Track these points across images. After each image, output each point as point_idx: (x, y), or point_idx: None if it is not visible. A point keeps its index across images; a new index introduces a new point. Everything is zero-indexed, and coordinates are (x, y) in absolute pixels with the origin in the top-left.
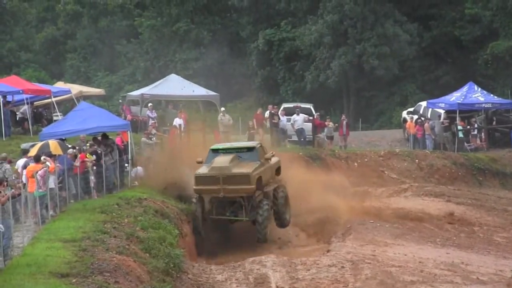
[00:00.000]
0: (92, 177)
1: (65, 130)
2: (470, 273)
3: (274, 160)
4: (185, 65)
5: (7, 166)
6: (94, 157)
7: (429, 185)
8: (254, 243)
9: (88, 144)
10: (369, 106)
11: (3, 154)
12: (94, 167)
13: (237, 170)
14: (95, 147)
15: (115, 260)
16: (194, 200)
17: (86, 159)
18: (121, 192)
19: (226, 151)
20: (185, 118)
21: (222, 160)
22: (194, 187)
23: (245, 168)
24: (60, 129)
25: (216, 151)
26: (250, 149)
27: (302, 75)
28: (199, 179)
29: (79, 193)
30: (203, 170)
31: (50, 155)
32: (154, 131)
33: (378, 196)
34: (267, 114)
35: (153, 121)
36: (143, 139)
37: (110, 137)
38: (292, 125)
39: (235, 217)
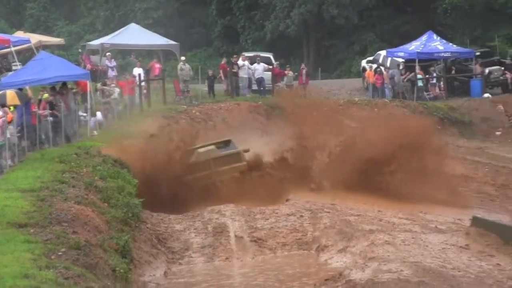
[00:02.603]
0: (49, 126)
1: (24, 79)
2: (428, 222)
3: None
4: (145, 14)
5: None
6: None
7: None
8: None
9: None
10: (328, 55)
11: None
12: (50, 118)
13: (226, 152)
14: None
15: (74, 210)
16: None
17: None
18: (80, 142)
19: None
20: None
21: (205, 149)
22: (185, 178)
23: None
24: (19, 78)
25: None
26: (226, 142)
27: (262, 24)
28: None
29: (37, 143)
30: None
31: (4, 105)
32: (113, 84)
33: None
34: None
35: (112, 72)
36: (101, 88)
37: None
38: (253, 74)
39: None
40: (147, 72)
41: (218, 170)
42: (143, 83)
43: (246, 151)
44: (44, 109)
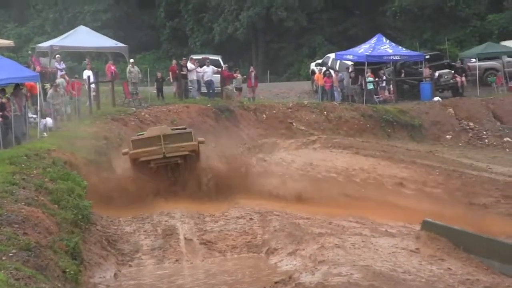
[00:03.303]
0: None
1: None
2: (379, 226)
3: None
4: (94, 17)
5: None
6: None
7: (337, 137)
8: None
9: None
10: (277, 58)
11: None
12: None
13: (177, 131)
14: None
15: (24, 212)
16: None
17: None
18: (30, 144)
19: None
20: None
21: (157, 127)
22: (131, 152)
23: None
24: None
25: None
26: (182, 129)
27: (211, 27)
28: (137, 143)
29: None
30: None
31: None
32: (62, 80)
33: (286, 148)
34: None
35: (62, 73)
36: (51, 91)
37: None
38: (202, 76)
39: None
40: (96, 74)
41: (168, 146)
42: (92, 85)
43: (201, 142)
44: None
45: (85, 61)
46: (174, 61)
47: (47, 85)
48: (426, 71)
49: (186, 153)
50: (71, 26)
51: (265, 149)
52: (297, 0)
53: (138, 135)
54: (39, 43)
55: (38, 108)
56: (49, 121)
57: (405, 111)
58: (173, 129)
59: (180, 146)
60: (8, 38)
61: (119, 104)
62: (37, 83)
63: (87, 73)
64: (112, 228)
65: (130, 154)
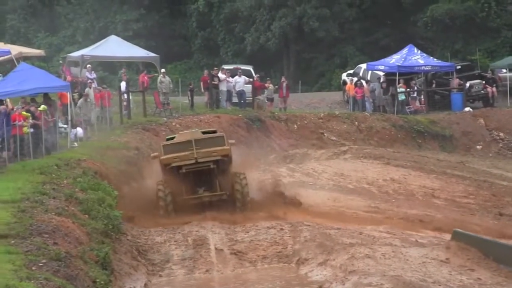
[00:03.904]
0: (30, 138)
1: (4, 91)
2: (409, 236)
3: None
4: (125, 26)
5: None
6: (30, 116)
7: (368, 147)
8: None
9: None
10: (309, 68)
11: None
12: (31, 128)
13: (209, 135)
14: (31, 105)
15: (54, 222)
16: (160, 184)
17: (21, 122)
18: (60, 154)
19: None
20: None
21: (188, 131)
22: (162, 157)
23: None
24: None
25: (172, 140)
26: (212, 132)
27: (242, 37)
28: (168, 148)
29: (18, 154)
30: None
31: None
32: (90, 91)
33: (317, 158)
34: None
35: (90, 82)
36: (81, 100)
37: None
38: (234, 86)
39: (211, 193)
40: (127, 83)
41: (200, 151)
42: (124, 95)
43: (232, 144)
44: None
45: (121, 71)
46: (205, 71)
47: (76, 95)
48: (455, 82)
49: (219, 158)
50: (102, 35)
51: (296, 159)
52: (329, 10)
53: (167, 139)
54: (70, 52)
55: (69, 117)
56: (79, 131)
57: (436, 122)
58: (204, 132)
59: (212, 151)
60: (39, 48)
61: (150, 114)
62: (68, 93)
63: (124, 83)
64: (143, 238)
65: (161, 160)
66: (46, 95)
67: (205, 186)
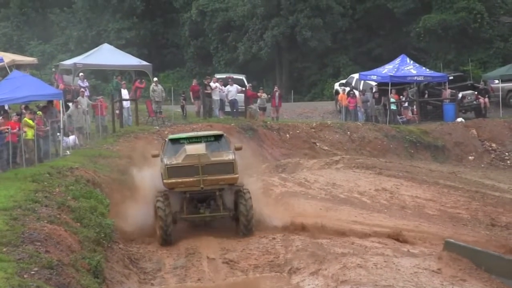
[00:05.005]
0: (23, 146)
1: None
2: (401, 246)
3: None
4: (118, 35)
5: None
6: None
7: (360, 157)
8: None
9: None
10: (301, 77)
11: None
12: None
13: (217, 158)
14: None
15: (46, 229)
16: (159, 199)
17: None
18: (53, 161)
19: (191, 140)
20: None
21: (196, 148)
22: (166, 181)
23: (225, 155)
24: None
25: (176, 141)
26: (217, 137)
27: (235, 46)
28: (173, 171)
29: (10, 162)
30: (175, 160)
31: None
32: (83, 99)
33: (309, 167)
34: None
35: (82, 90)
36: (71, 107)
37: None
38: (226, 95)
39: (214, 214)
40: (119, 92)
41: (206, 179)
42: (124, 103)
43: (239, 148)
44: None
45: (116, 79)
46: (194, 81)
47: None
48: (446, 93)
49: (225, 186)
50: (95, 44)
51: (288, 169)
52: (321, 20)
53: (171, 139)
54: (62, 60)
55: (61, 125)
56: (72, 139)
57: (428, 132)
58: (210, 136)
59: (220, 179)
60: (31, 55)
61: (143, 123)
62: (60, 101)
63: (124, 92)
64: (135, 246)
65: (165, 183)
66: (49, 103)
67: (208, 205)
